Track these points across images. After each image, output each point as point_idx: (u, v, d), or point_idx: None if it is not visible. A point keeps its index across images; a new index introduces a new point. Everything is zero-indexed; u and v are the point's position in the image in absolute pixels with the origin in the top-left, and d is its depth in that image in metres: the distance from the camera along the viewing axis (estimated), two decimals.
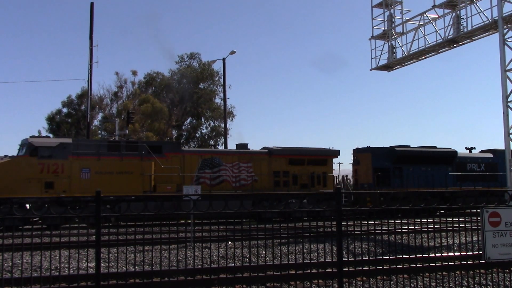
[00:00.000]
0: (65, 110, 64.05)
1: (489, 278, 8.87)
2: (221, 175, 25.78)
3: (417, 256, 8.62)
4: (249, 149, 27.73)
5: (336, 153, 28.77)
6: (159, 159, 24.06)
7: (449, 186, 29.20)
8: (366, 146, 30.08)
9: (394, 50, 24.80)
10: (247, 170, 26.28)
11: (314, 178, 27.53)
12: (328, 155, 28.45)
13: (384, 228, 8.93)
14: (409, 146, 30.71)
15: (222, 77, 39.82)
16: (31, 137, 23.18)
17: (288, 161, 27.26)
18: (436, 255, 8.91)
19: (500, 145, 32.41)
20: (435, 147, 31.34)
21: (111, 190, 21.85)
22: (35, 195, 21.24)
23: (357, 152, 30.16)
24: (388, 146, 30.08)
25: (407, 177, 28.79)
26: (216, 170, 25.72)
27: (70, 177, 22.39)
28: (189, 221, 17.00)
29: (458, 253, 9.57)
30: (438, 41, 22.36)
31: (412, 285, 8.62)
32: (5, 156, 23.14)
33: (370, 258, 9.17)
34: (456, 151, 30.83)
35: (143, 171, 23.57)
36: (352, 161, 30.59)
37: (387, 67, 25.71)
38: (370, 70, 26.08)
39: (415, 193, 25.00)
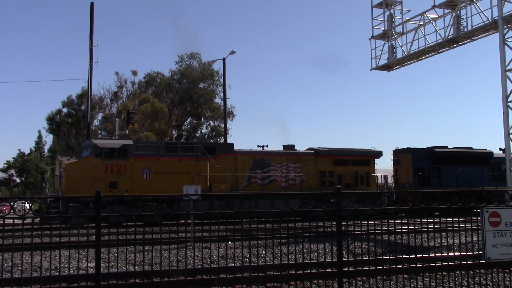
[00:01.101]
0: (65, 110, 64.11)
1: (489, 278, 8.87)
2: (271, 175, 26.84)
3: (417, 256, 8.62)
4: (296, 150, 28.76)
5: (378, 154, 29.88)
6: (213, 159, 25.17)
7: (485, 186, 30.01)
8: (406, 147, 31.25)
9: (394, 50, 24.79)
10: (295, 170, 27.28)
11: (358, 178, 28.53)
12: (371, 156, 29.52)
13: (384, 228, 8.93)
14: (447, 147, 31.83)
15: (222, 77, 39.81)
16: (94, 139, 24.43)
17: (333, 162, 28.32)
18: (436, 255, 8.90)
19: (500, 145, 32.68)
20: (471, 148, 32.21)
21: (170, 190, 23.02)
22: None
23: (397, 153, 31.25)
24: (426, 147, 31.22)
25: (445, 177, 29.79)
26: (266, 170, 26.76)
27: (132, 177, 23.43)
28: (189, 221, 17.00)
29: (458, 253, 9.56)
30: (438, 41, 22.35)
31: (412, 285, 8.62)
32: (71, 157, 24.53)
33: (370, 258, 9.16)
34: (492, 152, 32.05)
35: (199, 171, 24.68)
36: (392, 161, 31.90)
37: (387, 67, 25.70)
38: (370, 70, 26.08)
39: (453, 192, 25.66)
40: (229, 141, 41.76)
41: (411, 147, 31.08)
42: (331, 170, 28.09)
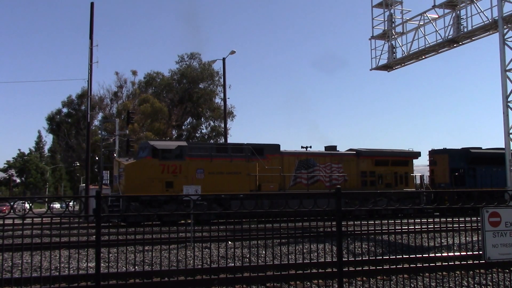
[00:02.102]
0: (65, 110, 64.15)
1: (489, 278, 8.87)
2: (315, 175, 27.70)
3: (417, 256, 8.61)
4: (338, 151, 29.78)
5: (417, 155, 30.91)
6: (262, 160, 26.14)
7: None
8: (442, 148, 32.42)
9: (394, 50, 24.80)
10: (338, 171, 28.26)
11: (397, 178, 29.47)
12: (409, 157, 30.51)
13: (384, 228, 8.93)
14: (481, 148, 32.91)
15: (222, 77, 39.81)
16: (151, 140, 25.37)
17: (374, 162, 29.28)
18: (436, 255, 8.90)
19: (500, 145, 32.87)
20: (503, 149, 33.16)
21: (222, 189, 24.03)
22: (158, 194, 23.53)
23: (434, 154, 32.31)
24: (461, 148, 32.34)
25: (480, 177, 30.68)
26: (311, 170, 27.62)
27: (187, 177, 24.37)
28: (189, 221, 17.01)
29: (458, 253, 9.56)
30: (438, 41, 22.35)
31: (412, 285, 8.62)
32: (129, 157, 25.54)
33: (370, 258, 9.16)
34: None
35: (249, 172, 25.65)
36: (428, 162, 33.05)
37: (387, 67, 25.70)
38: (370, 70, 26.09)
39: (488, 191, 26.29)
40: (229, 140, 41.76)
41: (447, 148, 32.41)
42: (372, 170, 29.14)
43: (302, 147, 29.05)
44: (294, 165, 27.29)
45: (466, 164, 31.04)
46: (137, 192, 22.89)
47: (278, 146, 27.56)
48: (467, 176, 30.87)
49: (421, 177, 30.90)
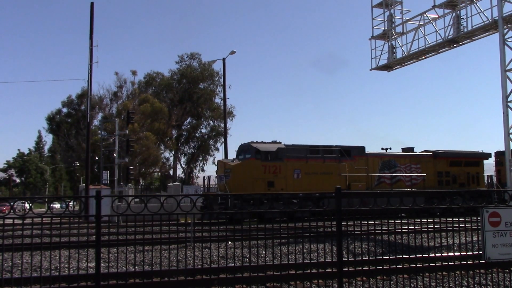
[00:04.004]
0: (65, 110, 64.14)
1: (489, 278, 8.86)
2: (397, 175, 29.19)
3: (417, 256, 8.61)
4: (416, 152, 31.37)
5: (487, 156, 32.45)
6: (350, 161, 27.71)
7: None
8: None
9: (394, 50, 24.79)
10: (416, 171, 29.68)
11: (469, 178, 30.84)
12: (481, 157, 32.12)
13: (384, 228, 8.92)
14: None
15: (222, 77, 39.81)
16: (252, 142, 26.77)
17: (449, 163, 30.79)
18: (436, 255, 8.90)
19: (500, 146, 33.03)
20: None
21: (317, 189, 25.26)
22: (261, 192, 25.16)
23: (500, 155, 32.61)
24: None
25: None
26: (392, 170, 29.19)
27: (286, 177, 26.07)
28: (189, 221, 17.00)
29: (458, 253, 9.55)
30: (438, 41, 22.34)
31: (412, 285, 8.62)
32: (233, 159, 27.01)
33: (370, 258, 9.16)
34: None
35: (340, 172, 27.26)
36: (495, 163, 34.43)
37: (387, 67, 25.69)
38: (370, 70, 26.08)
39: None
40: (229, 140, 41.83)
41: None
42: (447, 171, 30.59)
43: (382, 148, 30.69)
44: (378, 165, 28.88)
45: None
46: (242, 191, 24.70)
47: (363, 148, 29.13)
48: None
49: (490, 177, 32.18)
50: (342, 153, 27.69)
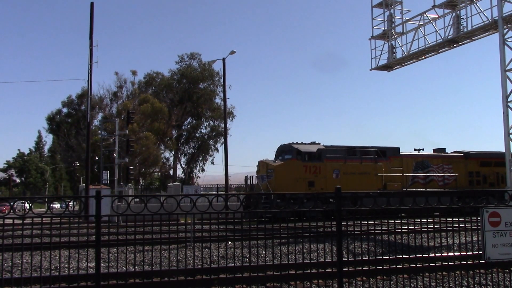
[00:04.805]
0: (65, 110, 64.15)
1: (489, 278, 8.86)
2: (430, 175, 29.94)
3: (417, 256, 8.61)
4: (447, 153, 32.25)
5: None
6: (385, 161, 28.61)
7: None
8: None
9: (394, 50, 24.79)
10: (448, 171, 30.50)
11: (499, 178, 31.25)
12: None
13: (384, 228, 8.92)
14: None
15: (222, 77, 39.81)
16: (293, 143, 27.54)
17: (479, 163, 31.41)
18: (436, 255, 8.90)
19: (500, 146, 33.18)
20: None
21: (355, 188, 25.64)
22: (302, 192, 25.86)
23: None
24: None
25: None
26: (426, 171, 29.90)
27: (325, 177, 27.02)
28: (189, 221, 17.00)
29: (458, 253, 9.55)
30: (438, 41, 22.34)
31: (412, 285, 8.62)
32: (274, 160, 27.69)
33: (370, 258, 9.15)
34: None
35: (376, 172, 28.15)
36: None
37: (387, 67, 25.69)
38: (370, 70, 26.08)
39: None
40: (229, 140, 41.85)
41: None
42: (478, 171, 31.18)
43: (415, 149, 31.23)
44: (412, 166, 29.59)
45: None
46: (285, 190, 25.45)
47: (398, 148, 29.93)
48: None
49: None
50: (378, 154, 28.51)
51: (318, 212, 8.76)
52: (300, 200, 23.79)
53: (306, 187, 26.34)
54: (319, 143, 28.50)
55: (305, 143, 28.28)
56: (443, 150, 32.53)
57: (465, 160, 31.24)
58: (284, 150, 27.81)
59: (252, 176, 28.77)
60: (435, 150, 32.57)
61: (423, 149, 31.36)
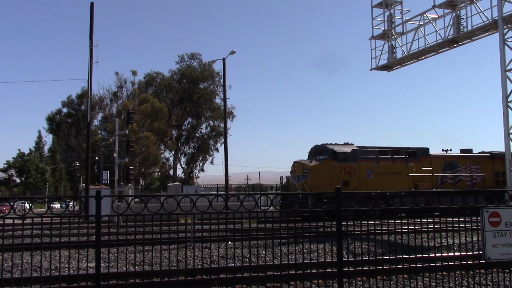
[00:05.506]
0: (65, 110, 64.20)
1: (489, 278, 8.86)
2: (458, 175, 30.60)
3: (417, 256, 8.61)
4: (474, 153, 32.87)
5: None
6: (416, 162, 29.30)
7: None
8: None
9: (394, 50, 24.78)
10: (476, 171, 31.13)
11: None
12: None
13: (384, 228, 8.92)
14: None
15: (222, 77, 39.81)
16: (327, 144, 28.38)
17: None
18: (436, 255, 8.90)
19: (500, 146, 33.22)
20: None
21: (387, 188, 26.50)
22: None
23: None
24: None
25: None
26: (454, 171, 30.59)
27: (359, 177, 27.76)
28: (188, 221, 17.00)
29: (458, 253, 9.55)
30: (438, 41, 22.34)
31: (412, 285, 8.62)
32: (311, 160, 28.46)
33: (370, 258, 9.15)
34: None
35: (407, 172, 28.77)
36: None
37: (387, 67, 25.69)
38: (370, 70, 26.08)
39: None
40: (229, 141, 41.85)
41: None
42: (504, 171, 31.70)
43: (442, 150, 31.84)
44: (441, 166, 30.20)
45: None
46: (320, 190, 25.95)
47: (427, 149, 30.64)
48: None
49: None
50: (409, 154, 29.20)
51: (323, 212, 8.76)
52: (333, 200, 24.09)
53: (341, 187, 26.55)
54: (352, 144, 29.19)
55: (338, 144, 28.98)
56: (470, 150, 33.18)
57: (491, 160, 31.76)
58: (319, 151, 28.70)
59: (288, 176, 29.33)
60: (462, 151, 33.22)
61: (450, 150, 32.01)
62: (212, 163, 63.99)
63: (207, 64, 59.79)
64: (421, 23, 23.35)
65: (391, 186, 27.09)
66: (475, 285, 8.63)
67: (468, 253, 10.22)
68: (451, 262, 8.66)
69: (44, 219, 7.10)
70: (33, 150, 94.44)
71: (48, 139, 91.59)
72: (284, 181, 29.42)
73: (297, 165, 29.06)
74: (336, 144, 28.85)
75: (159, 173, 62.69)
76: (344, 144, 29.08)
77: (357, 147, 28.83)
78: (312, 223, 8.85)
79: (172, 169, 62.40)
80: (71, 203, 33.01)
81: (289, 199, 24.80)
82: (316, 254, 8.43)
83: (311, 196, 24.23)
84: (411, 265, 8.60)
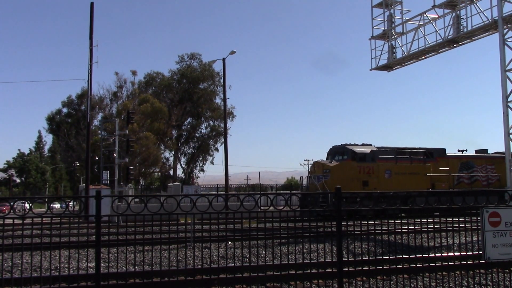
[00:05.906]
0: (65, 110, 64.27)
1: (489, 278, 8.86)
2: (474, 175, 30.94)
3: (417, 256, 8.61)
4: (489, 153, 33.14)
5: None
6: (433, 162, 29.60)
7: None
8: None
9: (394, 50, 24.78)
10: (491, 171, 31.40)
11: None
12: None
13: (384, 228, 8.91)
14: None
15: (222, 77, 39.81)
16: (347, 145, 28.72)
17: None
18: (436, 255, 8.89)
19: (500, 146, 33.21)
20: None
21: (405, 188, 26.64)
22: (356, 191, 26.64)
23: None
24: None
25: None
26: (470, 171, 30.93)
27: (378, 177, 28.12)
28: (188, 221, 16.99)
29: (458, 253, 9.55)
30: (438, 41, 22.34)
31: (412, 285, 8.62)
32: (331, 161, 28.78)
33: (370, 258, 9.15)
34: None
35: (425, 172, 29.07)
36: None
37: (387, 67, 25.69)
38: (370, 70, 26.08)
39: None
40: (229, 141, 41.86)
41: None
42: None
43: (458, 150, 32.05)
44: (457, 166, 30.56)
45: None
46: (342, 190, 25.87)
47: (444, 149, 30.85)
48: None
49: None
50: (426, 155, 29.56)
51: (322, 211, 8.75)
52: (351, 199, 24.76)
53: (361, 186, 27.41)
54: (370, 144, 29.50)
55: (357, 144, 29.26)
56: (485, 151, 33.48)
57: None
58: (339, 151, 29.07)
59: (310, 176, 29.64)
60: (477, 151, 33.51)
61: (466, 150, 32.23)
62: (212, 163, 64.05)
63: (207, 64, 59.80)
64: (421, 23, 23.35)
65: (409, 186, 27.31)
66: (475, 285, 8.63)
67: (468, 253, 10.21)
68: (451, 262, 8.66)
69: (44, 219, 7.10)
70: (33, 150, 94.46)
71: (48, 139, 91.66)
72: (304, 181, 29.77)
73: (317, 165, 29.50)
74: (355, 144, 29.17)
75: (159, 173, 62.72)
76: (363, 144, 29.41)
77: (376, 147, 29.16)
78: (311, 223, 8.84)
79: (172, 169, 62.42)
80: (71, 203, 32.99)
81: (309, 198, 25.16)
82: (316, 254, 8.43)
83: (331, 195, 24.49)
84: (411, 265, 8.60)
